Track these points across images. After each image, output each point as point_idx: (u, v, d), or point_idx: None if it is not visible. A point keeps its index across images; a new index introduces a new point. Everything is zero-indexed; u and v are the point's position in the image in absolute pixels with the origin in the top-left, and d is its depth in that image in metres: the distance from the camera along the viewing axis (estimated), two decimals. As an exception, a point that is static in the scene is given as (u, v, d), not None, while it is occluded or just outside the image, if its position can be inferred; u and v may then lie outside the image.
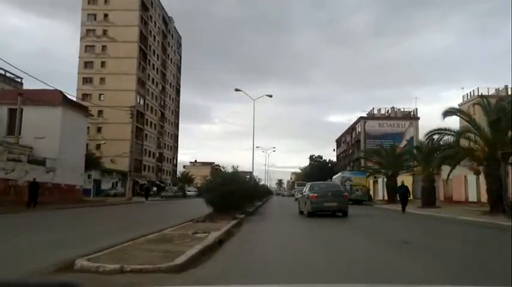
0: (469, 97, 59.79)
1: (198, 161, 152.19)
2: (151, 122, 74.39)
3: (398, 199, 23.49)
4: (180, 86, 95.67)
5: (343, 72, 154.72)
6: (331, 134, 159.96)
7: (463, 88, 62.01)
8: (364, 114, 59.44)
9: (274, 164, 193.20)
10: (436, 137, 21.43)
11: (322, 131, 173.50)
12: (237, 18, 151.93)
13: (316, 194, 16.59)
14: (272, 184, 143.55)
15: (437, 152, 21.55)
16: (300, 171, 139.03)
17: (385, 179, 35.16)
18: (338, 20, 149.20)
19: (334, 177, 44.14)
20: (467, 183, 28.54)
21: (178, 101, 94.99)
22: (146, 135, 72.14)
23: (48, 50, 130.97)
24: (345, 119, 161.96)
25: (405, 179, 32.51)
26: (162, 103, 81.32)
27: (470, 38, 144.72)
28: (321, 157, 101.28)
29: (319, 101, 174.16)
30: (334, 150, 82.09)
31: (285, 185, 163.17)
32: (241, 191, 15.59)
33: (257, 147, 70.23)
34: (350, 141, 65.67)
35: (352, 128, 63.95)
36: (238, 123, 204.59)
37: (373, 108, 60.14)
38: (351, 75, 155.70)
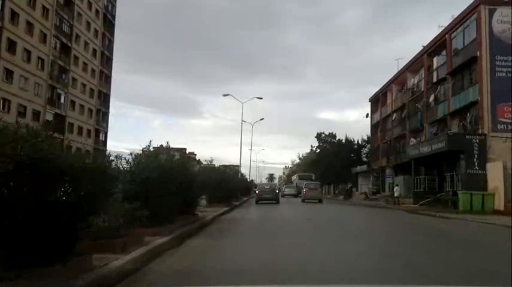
0: None
1: (165, 146, 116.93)
2: (26, 50, 38.87)
3: None
4: (115, 19, 60.06)
5: (335, 70, 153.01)
6: (321, 130, 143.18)
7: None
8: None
9: (264, 160, 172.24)
10: None
11: (313, 127, 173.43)
12: (227, 14, 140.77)
13: (260, 190, 29.30)
14: (263, 180, 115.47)
15: None
16: (299, 161, 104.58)
17: None
18: (329, 17, 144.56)
19: None
20: None
21: (111, 42, 59.38)
22: (11, 72, 36.74)
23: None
24: (336, 116, 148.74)
25: None
26: (64, 27, 45.71)
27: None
28: (333, 136, 66.48)
29: (310, 98, 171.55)
30: (367, 115, 47.36)
31: (276, 181, 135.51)
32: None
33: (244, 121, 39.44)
34: (428, 79, 30.66)
35: (439, 39, 28.90)
36: (229, 119, 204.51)
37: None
38: (343, 73, 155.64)
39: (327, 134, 67.80)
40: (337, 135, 64.88)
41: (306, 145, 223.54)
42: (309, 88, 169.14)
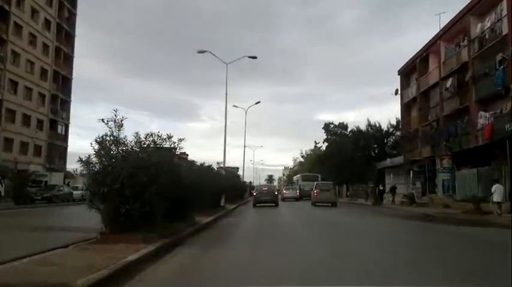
0: None
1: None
2: None
3: None
4: (78, -12, 49.13)
5: (333, 71, 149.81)
6: (320, 132, 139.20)
7: None
8: None
9: (262, 159, 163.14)
10: None
11: (312, 129, 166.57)
12: (224, 15, 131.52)
13: (257, 192, 27.79)
14: (262, 182, 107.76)
15: None
16: (302, 159, 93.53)
17: None
18: (327, 18, 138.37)
19: None
20: None
21: (73, 15, 48.51)
22: None
23: None
24: (335, 118, 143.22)
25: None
26: (-3, -17, 34.79)
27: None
28: (345, 126, 55.67)
29: (309, 100, 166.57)
30: (396, 92, 36.53)
31: (275, 183, 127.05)
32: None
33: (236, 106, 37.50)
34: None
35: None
36: (227, 121, 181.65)
37: None
38: (341, 74, 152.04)
39: (337, 124, 57.28)
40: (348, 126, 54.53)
41: (305, 147, 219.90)
42: (307, 90, 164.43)
